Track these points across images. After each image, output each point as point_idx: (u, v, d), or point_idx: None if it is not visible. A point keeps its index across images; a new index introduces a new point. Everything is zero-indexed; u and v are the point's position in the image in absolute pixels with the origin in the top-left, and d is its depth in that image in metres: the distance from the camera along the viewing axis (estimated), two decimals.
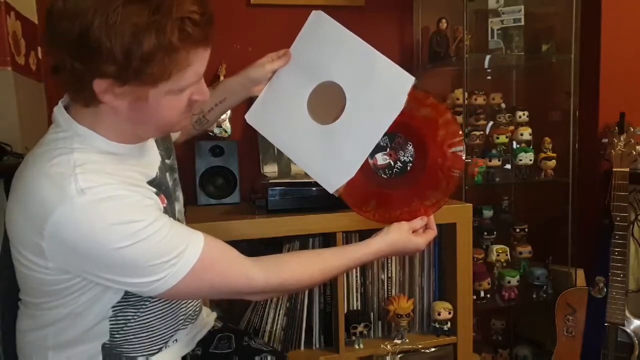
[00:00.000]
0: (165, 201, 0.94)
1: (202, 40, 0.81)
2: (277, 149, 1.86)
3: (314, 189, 1.55)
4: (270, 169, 1.84)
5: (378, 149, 1.04)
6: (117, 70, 0.76)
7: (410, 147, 1.06)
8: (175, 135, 1.25)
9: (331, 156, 1.05)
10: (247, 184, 1.85)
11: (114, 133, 0.87)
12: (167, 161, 1.06)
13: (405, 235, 1.06)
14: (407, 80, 0.98)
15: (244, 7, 1.94)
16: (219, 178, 1.81)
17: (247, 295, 0.97)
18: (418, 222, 1.07)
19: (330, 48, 1.09)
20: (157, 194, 0.91)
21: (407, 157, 1.06)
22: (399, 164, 1.06)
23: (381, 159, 1.06)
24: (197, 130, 1.30)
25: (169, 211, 0.96)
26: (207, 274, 0.87)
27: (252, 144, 1.91)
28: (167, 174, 1.04)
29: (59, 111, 0.88)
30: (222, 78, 1.87)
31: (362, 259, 1.05)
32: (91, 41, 0.74)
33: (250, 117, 1.15)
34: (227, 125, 1.85)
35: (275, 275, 0.95)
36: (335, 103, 1.06)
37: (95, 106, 0.83)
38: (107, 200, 0.79)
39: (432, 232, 1.09)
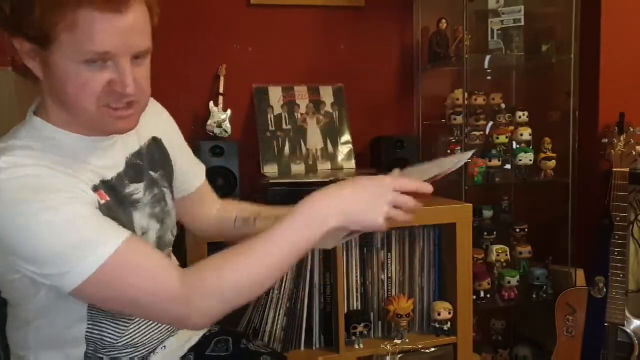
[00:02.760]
0: (108, 198, 0.88)
1: (95, 2, 0.74)
2: (277, 150, 1.87)
3: (314, 189, 1.54)
4: (270, 169, 1.84)
5: None
6: (9, 18, 0.77)
7: None
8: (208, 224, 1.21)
9: None
10: (247, 184, 1.85)
11: (60, 119, 0.87)
12: (152, 173, 1.02)
13: (365, 176, 0.90)
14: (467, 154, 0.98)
15: (244, 7, 1.94)
16: (219, 178, 1.81)
17: (165, 307, 0.81)
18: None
19: None
20: (96, 188, 0.87)
21: None
22: None
23: None
24: (235, 230, 1.17)
25: (115, 212, 0.89)
26: (117, 275, 0.78)
27: (252, 144, 1.91)
28: (142, 184, 0.98)
29: (30, 108, 0.91)
30: (222, 78, 1.87)
31: (312, 212, 0.85)
32: None
33: None
34: (227, 125, 1.85)
35: (192, 276, 0.81)
36: None
37: (38, 82, 0.85)
38: (20, 179, 0.78)
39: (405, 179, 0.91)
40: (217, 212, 1.22)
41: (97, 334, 0.92)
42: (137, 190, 0.97)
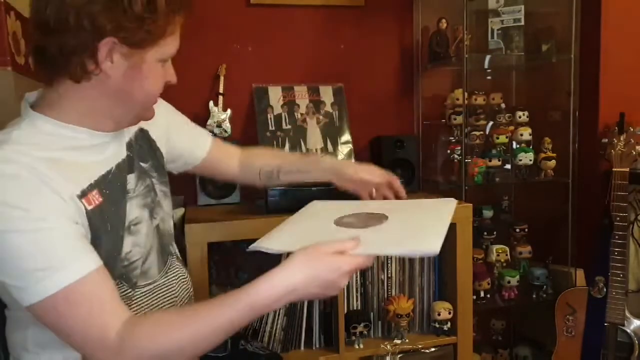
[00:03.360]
0: (100, 199, 0.88)
1: (184, 8, 0.87)
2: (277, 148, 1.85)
3: (313, 189, 1.54)
4: None
5: None
6: (133, 27, 0.80)
7: None
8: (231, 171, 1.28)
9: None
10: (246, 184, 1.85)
11: (84, 116, 0.88)
12: (143, 164, 1.03)
13: (317, 255, 0.82)
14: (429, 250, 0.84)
15: (244, 7, 1.94)
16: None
17: (96, 354, 0.80)
18: (338, 245, 0.83)
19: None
20: (85, 193, 0.85)
21: None
22: None
23: None
24: (261, 182, 1.28)
25: (106, 212, 0.89)
26: (66, 309, 0.78)
27: (252, 144, 1.90)
28: (134, 174, 1.00)
29: (23, 103, 0.90)
30: (222, 78, 1.87)
31: (257, 303, 0.80)
32: None
33: (262, 244, 0.94)
34: (227, 125, 1.85)
35: (129, 330, 0.79)
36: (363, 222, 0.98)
37: (86, 80, 0.84)
38: (4, 178, 0.77)
39: (361, 257, 0.84)
40: (242, 163, 1.29)
41: None
42: (128, 181, 0.98)
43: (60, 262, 0.77)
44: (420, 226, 0.91)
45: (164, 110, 1.13)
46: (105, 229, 0.88)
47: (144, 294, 0.98)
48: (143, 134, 1.06)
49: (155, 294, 1.00)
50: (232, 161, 1.28)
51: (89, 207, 0.85)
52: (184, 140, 1.19)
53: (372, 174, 1.20)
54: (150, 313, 0.94)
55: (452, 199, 1.05)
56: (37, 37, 0.83)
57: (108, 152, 0.93)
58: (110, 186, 0.91)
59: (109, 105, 0.88)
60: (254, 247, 0.91)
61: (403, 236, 0.89)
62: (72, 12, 0.78)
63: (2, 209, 0.76)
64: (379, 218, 0.96)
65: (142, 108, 0.93)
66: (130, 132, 1.01)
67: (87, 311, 0.79)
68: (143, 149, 1.05)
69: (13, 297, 0.81)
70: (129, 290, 0.95)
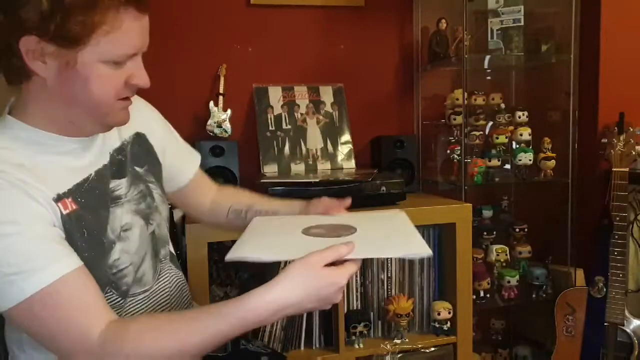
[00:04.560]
0: (74, 206, 0.84)
1: (132, 2, 0.78)
2: (277, 150, 1.86)
3: (314, 189, 1.55)
4: (270, 169, 1.84)
5: None
6: (39, 21, 0.73)
7: None
8: (202, 211, 1.20)
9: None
10: (247, 184, 1.85)
11: (46, 121, 0.84)
12: (137, 168, 1.00)
13: (314, 271, 0.77)
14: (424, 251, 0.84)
15: (244, 7, 1.94)
16: (219, 178, 1.81)
17: (78, 357, 0.78)
18: (332, 253, 0.79)
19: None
20: (60, 197, 0.83)
21: None
22: None
23: None
24: (226, 221, 1.18)
25: (82, 218, 0.86)
26: (44, 311, 0.76)
27: (252, 144, 1.91)
28: (126, 179, 0.97)
29: (7, 107, 0.88)
30: (222, 78, 1.87)
31: (250, 318, 0.77)
32: None
33: (236, 254, 0.88)
34: (227, 125, 1.85)
35: (114, 333, 0.77)
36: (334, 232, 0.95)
37: (27, 82, 0.81)
38: None
39: (353, 265, 0.81)
40: (213, 200, 1.21)
41: None
42: (119, 186, 0.95)
43: (35, 264, 0.75)
44: (400, 233, 0.92)
45: (155, 117, 1.10)
46: (81, 234, 0.85)
47: (139, 301, 0.96)
48: (140, 139, 1.03)
49: (151, 301, 0.99)
50: (206, 196, 1.21)
51: (65, 212, 0.83)
52: (177, 153, 1.14)
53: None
54: (137, 316, 0.92)
55: (401, 210, 1.03)
56: None
57: (86, 158, 0.90)
58: (87, 194, 0.87)
59: (62, 109, 0.84)
60: (229, 258, 0.86)
61: (391, 241, 0.89)
62: None
63: None
64: (347, 228, 0.93)
65: (96, 113, 0.85)
66: (122, 136, 0.98)
67: (65, 314, 0.77)
68: (139, 153, 1.02)
69: None
70: (119, 299, 0.93)
